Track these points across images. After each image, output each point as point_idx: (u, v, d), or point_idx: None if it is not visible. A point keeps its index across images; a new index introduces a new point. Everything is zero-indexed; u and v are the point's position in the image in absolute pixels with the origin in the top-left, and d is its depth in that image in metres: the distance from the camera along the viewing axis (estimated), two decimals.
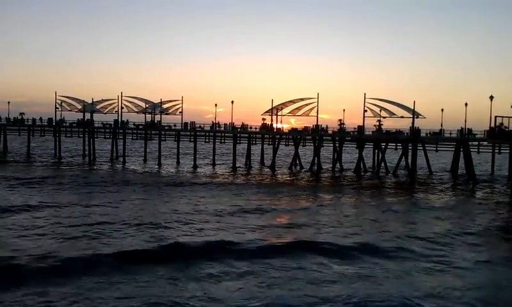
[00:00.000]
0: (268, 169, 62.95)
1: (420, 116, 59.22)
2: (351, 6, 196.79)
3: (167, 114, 74.81)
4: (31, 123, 77.11)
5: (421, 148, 60.56)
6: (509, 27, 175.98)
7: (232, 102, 69.79)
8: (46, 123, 76.42)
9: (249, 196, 39.60)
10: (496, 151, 65.36)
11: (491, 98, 56.47)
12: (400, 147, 63.73)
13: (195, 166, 63.64)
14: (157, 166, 63.17)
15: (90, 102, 74.10)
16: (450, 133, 61.14)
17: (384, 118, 63.33)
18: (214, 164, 67.38)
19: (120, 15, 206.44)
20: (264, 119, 69.67)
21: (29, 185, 41.94)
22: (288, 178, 54.98)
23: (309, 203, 37.68)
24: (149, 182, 47.07)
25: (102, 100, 75.20)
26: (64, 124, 75.29)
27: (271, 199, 38.44)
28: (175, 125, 73.13)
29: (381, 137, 62.17)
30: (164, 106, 73.81)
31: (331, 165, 64.40)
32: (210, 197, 38.35)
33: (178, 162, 68.03)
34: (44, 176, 48.10)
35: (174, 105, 74.13)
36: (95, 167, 60.83)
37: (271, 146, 70.44)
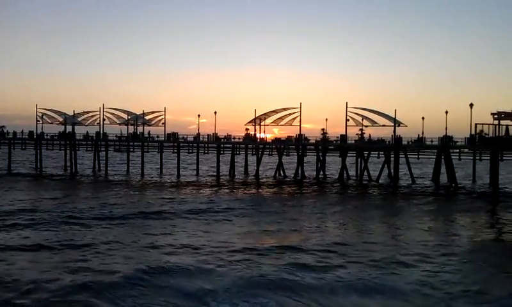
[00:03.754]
0: (254, 178, 62.88)
1: (401, 125, 59.82)
2: (333, 16, 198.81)
3: (149, 125, 74.39)
4: (12, 137, 76.16)
5: (403, 156, 61.06)
6: (489, 34, 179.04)
7: (215, 112, 69.84)
8: (27, 136, 75.57)
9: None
10: (478, 158, 65.98)
11: (471, 105, 57.17)
12: (383, 155, 64.18)
13: (179, 175, 63.55)
14: (139, 177, 62.83)
15: (71, 114, 73.52)
16: (432, 141, 61.72)
17: (366, 126, 63.78)
18: (197, 174, 67.30)
19: (101, 27, 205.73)
20: (247, 129, 69.78)
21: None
22: (293, 190, 54.98)
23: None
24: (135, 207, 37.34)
25: (84, 112, 74.61)
26: (45, 137, 74.56)
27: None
28: (158, 136, 72.83)
29: (364, 146, 62.57)
30: (147, 117, 73.45)
31: (315, 174, 64.90)
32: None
33: (161, 172, 68.27)
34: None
35: (157, 117, 73.76)
36: (79, 184, 60.00)
37: (255, 156, 70.48)
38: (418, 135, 63.11)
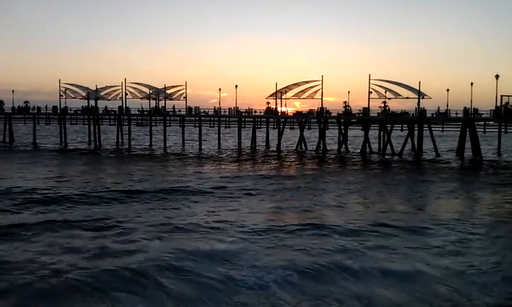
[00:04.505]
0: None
1: (425, 97, 58.91)
2: None
3: (171, 99, 74.78)
4: (36, 112, 77.24)
5: (427, 128, 60.23)
6: None
7: (236, 86, 69.73)
8: (51, 111, 76.57)
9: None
10: (503, 130, 64.75)
11: (497, 77, 56.09)
12: (406, 128, 63.44)
13: (200, 149, 64.06)
14: (162, 151, 63.45)
15: (94, 89, 74.12)
16: (456, 113, 60.83)
17: (390, 99, 62.96)
18: (219, 148, 67.71)
19: (121, 2, 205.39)
20: (268, 102, 69.62)
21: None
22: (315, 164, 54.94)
23: None
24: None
25: (106, 86, 75.26)
26: (69, 111, 75.49)
27: None
28: (179, 111, 73.19)
29: (386, 119, 61.87)
30: (168, 92, 73.76)
31: (337, 147, 64.77)
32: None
33: (183, 146, 69.38)
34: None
35: (178, 91, 74.16)
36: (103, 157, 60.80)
37: (276, 129, 70.47)
38: (438, 108, 62.45)
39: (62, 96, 74.74)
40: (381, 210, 28.25)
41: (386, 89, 62.01)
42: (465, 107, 60.09)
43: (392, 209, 28.89)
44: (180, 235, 22.21)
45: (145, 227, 23.34)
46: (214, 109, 71.75)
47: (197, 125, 71.49)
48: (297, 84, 66.95)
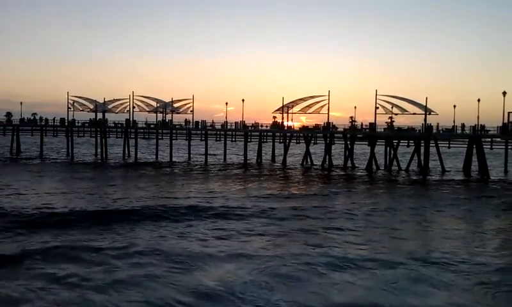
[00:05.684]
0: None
1: (432, 113, 58.87)
2: (362, 2, 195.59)
3: (178, 113, 75.19)
4: (44, 123, 77.76)
5: (433, 144, 60.07)
6: None
7: (243, 100, 70.05)
8: (58, 123, 77.05)
9: None
10: (510, 147, 64.45)
11: (504, 93, 56.09)
12: (413, 144, 63.35)
13: (206, 163, 64.14)
14: (168, 165, 63.59)
15: (102, 101, 74.60)
16: (463, 129, 60.75)
17: (396, 114, 63.05)
18: (225, 161, 67.86)
19: (130, 15, 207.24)
20: (274, 117, 69.87)
21: None
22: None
23: None
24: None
25: (114, 99, 75.81)
26: (76, 124, 75.95)
27: None
28: (186, 125, 73.59)
29: (393, 134, 61.82)
30: (175, 105, 74.20)
31: (342, 163, 64.63)
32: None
33: (189, 159, 69.73)
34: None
35: (185, 104, 74.61)
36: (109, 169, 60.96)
37: (282, 144, 70.65)
38: (437, 124, 62.51)
39: (70, 108, 75.34)
40: (390, 238, 26.80)
41: (393, 105, 62.08)
42: (463, 124, 60.42)
43: (400, 237, 27.31)
44: (179, 264, 20.53)
45: (150, 254, 21.94)
46: (213, 122, 73.08)
47: (203, 138, 71.77)
48: (303, 99, 67.20)
